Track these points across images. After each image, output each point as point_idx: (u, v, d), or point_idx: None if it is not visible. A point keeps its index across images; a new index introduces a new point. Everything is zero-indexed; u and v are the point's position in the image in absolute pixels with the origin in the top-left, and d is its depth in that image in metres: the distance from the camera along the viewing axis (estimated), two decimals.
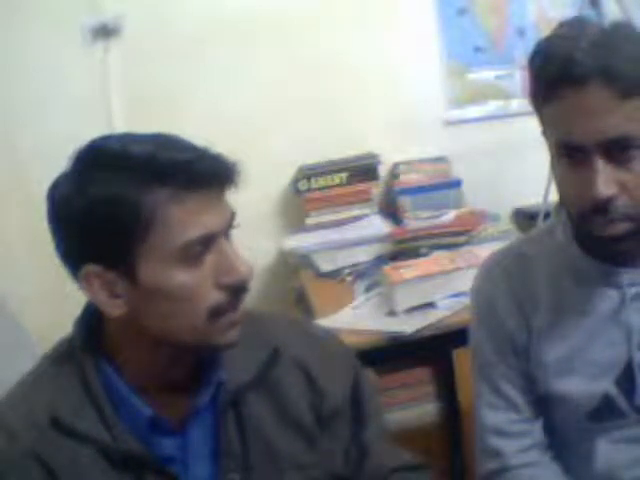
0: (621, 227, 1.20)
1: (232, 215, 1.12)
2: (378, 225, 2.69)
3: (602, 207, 1.18)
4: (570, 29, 1.19)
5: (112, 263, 1.07)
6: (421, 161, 2.84)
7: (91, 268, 1.07)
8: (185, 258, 1.06)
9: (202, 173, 1.06)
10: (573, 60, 1.14)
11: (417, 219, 2.65)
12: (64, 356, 1.15)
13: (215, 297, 1.08)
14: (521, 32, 2.88)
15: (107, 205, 1.04)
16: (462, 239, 2.46)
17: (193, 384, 1.16)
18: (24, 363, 1.20)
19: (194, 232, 1.06)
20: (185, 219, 1.05)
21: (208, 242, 1.07)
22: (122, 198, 1.04)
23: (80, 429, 1.09)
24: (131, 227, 1.04)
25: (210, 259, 1.08)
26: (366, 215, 2.75)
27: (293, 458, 1.19)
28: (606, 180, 1.16)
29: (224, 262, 1.08)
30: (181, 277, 1.06)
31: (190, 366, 1.15)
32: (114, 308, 1.09)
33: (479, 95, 2.91)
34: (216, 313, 1.09)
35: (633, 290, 1.28)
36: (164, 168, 1.04)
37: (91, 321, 1.15)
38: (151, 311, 1.08)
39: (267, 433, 1.18)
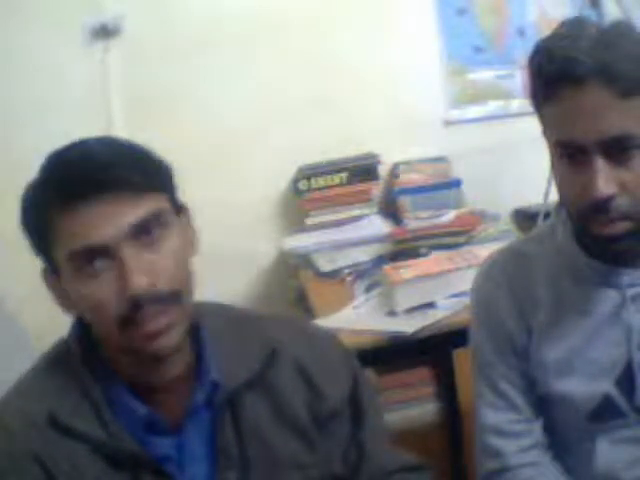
0: (621, 226, 1.20)
1: (145, 218, 1.06)
2: (378, 225, 2.69)
3: (602, 206, 1.18)
4: (570, 29, 1.19)
5: (48, 265, 1.12)
6: (421, 161, 2.84)
7: (44, 270, 1.14)
8: (77, 268, 1.06)
9: (85, 182, 1.04)
10: (573, 60, 1.14)
11: (417, 219, 2.65)
12: (61, 356, 1.16)
13: (118, 309, 1.06)
14: (521, 32, 2.88)
15: (26, 215, 1.11)
16: (462, 239, 2.46)
17: (189, 384, 1.15)
18: (22, 363, 1.20)
19: (78, 243, 1.05)
20: (72, 230, 1.05)
21: (98, 254, 1.05)
22: (31, 206, 1.10)
23: (78, 428, 1.09)
24: (40, 237, 1.10)
25: (107, 271, 1.06)
26: (366, 215, 2.75)
27: (290, 458, 1.19)
28: (606, 179, 1.16)
29: (120, 274, 1.05)
30: (82, 289, 1.07)
31: (182, 366, 1.15)
32: (66, 309, 1.14)
33: (479, 95, 2.91)
34: (126, 323, 1.07)
35: (633, 290, 1.28)
36: (53, 179, 1.07)
37: (85, 323, 1.15)
38: (81, 314, 1.13)
39: (264, 433, 1.18)
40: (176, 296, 1.08)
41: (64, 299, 1.13)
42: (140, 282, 1.04)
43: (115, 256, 1.05)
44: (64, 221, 1.05)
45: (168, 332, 1.08)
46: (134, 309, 1.05)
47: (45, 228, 1.08)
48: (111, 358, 1.14)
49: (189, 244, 1.15)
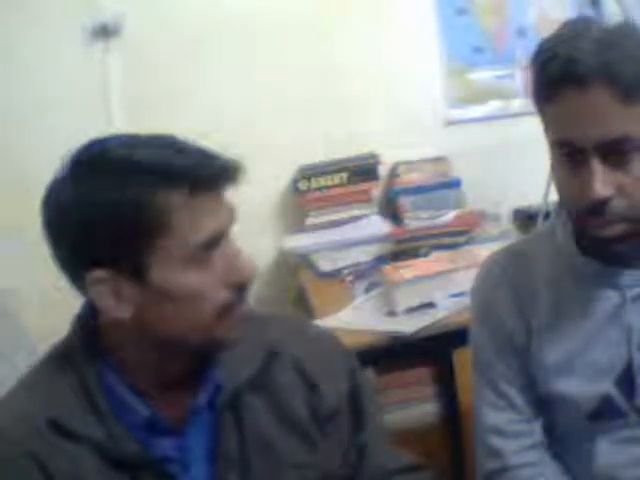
0: (617, 228, 1.20)
1: (233, 212, 1.13)
2: (378, 225, 2.69)
3: (599, 208, 1.18)
4: (573, 29, 1.19)
5: (121, 267, 1.06)
6: (421, 161, 2.84)
7: (98, 274, 1.07)
8: (196, 260, 1.07)
9: (211, 176, 1.07)
10: (575, 60, 1.14)
11: (417, 219, 2.65)
12: (61, 357, 1.15)
13: (223, 296, 1.09)
14: (521, 32, 2.88)
15: (117, 210, 1.04)
16: (462, 239, 2.46)
17: (191, 385, 1.15)
18: (24, 363, 1.20)
19: (205, 234, 1.07)
20: (196, 222, 1.06)
21: (216, 242, 1.09)
22: (132, 203, 1.04)
23: (78, 430, 1.09)
24: (142, 232, 1.04)
25: (217, 259, 1.09)
26: (366, 215, 2.75)
27: (292, 458, 1.19)
28: (603, 181, 1.16)
29: (230, 261, 1.10)
30: (192, 278, 1.07)
31: (188, 366, 1.15)
32: (121, 312, 1.09)
33: (479, 95, 2.91)
34: (224, 311, 1.10)
35: (633, 291, 1.28)
36: (175, 172, 1.05)
37: (88, 322, 1.15)
38: (160, 313, 1.09)
39: (265, 433, 1.18)
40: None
41: (121, 303, 1.08)
42: None
43: (224, 244, 1.09)
44: (186, 214, 1.05)
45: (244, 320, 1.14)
46: (240, 293, 1.11)
47: (158, 223, 1.04)
48: (118, 359, 1.13)
49: None
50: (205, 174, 1.06)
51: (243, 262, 1.11)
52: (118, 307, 1.08)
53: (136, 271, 1.06)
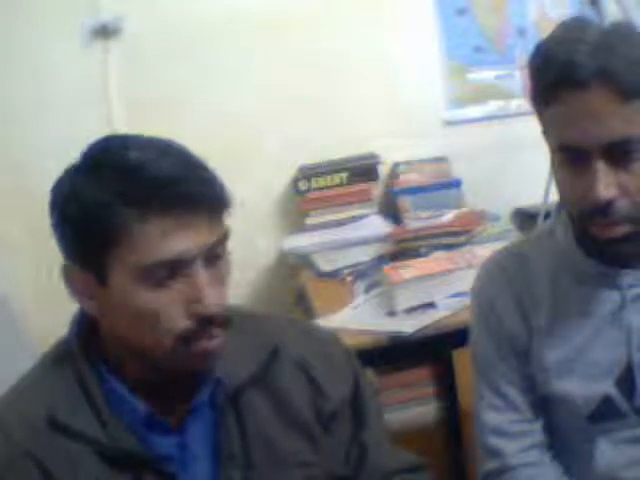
0: (621, 229, 1.20)
1: (219, 240, 1.08)
2: (378, 225, 2.69)
3: (602, 209, 1.18)
4: (570, 31, 1.19)
5: (87, 265, 1.07)
6: (421, 161, 2.84)
7: (71, 266, 1.09)
8: (150, 279, 1.04)
9: (176, 196, 1.03)
10: (574, 63, 1.13)
11: (417, 219, 2.65)
12: (61, 357, 1.15)
13: (182, 324, 1.06)
14: (521, 32, 2.88)
15: (84, 208, 1.04)
16: (462, 239, 2.45)
17: (191, 382, 1.15)
18: (24, 363, 1.20)
19: (161, 255, 1.03)
20: (154, 241, 1.03)
21: (178, 267, 1.05)
22: (97, 206, 1.04)
23: (76, 429, 1.09)
24: (100, 237, 1.04)
25: (179, 284, 1.05)
26: (366, 215, 2.75)
27: (294, 456, 1.19)
28: (607, 183, 1.16)
29: (192, 291, 1.05)
30: (145, 297, 1.05)
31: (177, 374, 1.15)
32: (91, 309, 1.11)
33: (479, 95, 2.91)
34: (183, 340, 1.07)
35: (633, 291, 1.28)
36: (139, 185, 1.03)
37: (86, 321, 1.15)
38: (121, 320, 1.09)
39: (267, 431, 1.18)
40: (227, 321, 1.10)
41: (89, 299, 1.10)
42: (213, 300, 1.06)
43: (191, 271, 1.05)
44: (145, 231, 1.02)
45: (219, 352, 1.10)
46: (203, 325, 1.06)
47: (115, 234, 1.03)
48: (115, 357, 1.14)
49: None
50: (169, 193, 1.02)
51: (207, 295, 1.05)
52: (89, 304, 1.10)
53: (99, 272, 1.07)
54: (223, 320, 1.08)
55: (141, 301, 1.05)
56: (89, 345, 1.14)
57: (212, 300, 1.06)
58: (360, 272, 2.43)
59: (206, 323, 1.06)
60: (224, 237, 1.09)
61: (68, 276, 1.10)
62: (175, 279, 1.05)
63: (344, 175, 2.76)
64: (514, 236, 2.38)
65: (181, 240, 1.03)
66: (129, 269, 1.04)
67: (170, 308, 1.05)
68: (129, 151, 1.05)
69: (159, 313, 1.05)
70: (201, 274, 1.05)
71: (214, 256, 1.08)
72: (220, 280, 1.09)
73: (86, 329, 1.15)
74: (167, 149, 1.08)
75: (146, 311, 1.05)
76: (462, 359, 2.03)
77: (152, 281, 1.04)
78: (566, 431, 1.36)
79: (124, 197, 1.03)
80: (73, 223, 1.06)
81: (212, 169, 1.09)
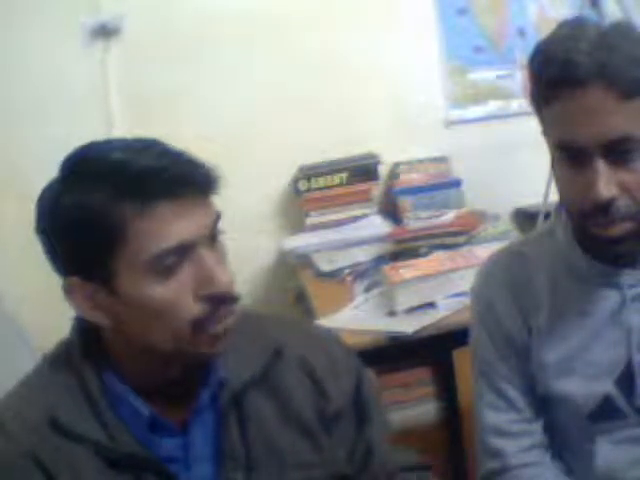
0: (622, 228, 1.20)
1: (214, 221, 1.09)
2: (378, 225, 2.69)
3: (603, 208, 1.18)
4: (570, 30, 1.19)
5: (91, 275, 1.07)
6: (421, 161, 2.85)
7: (73, 280, 1.08)
8: (160, 270, 1.04)
9: (171, 181, 1.03)
10: (573, 62, 1.14)
11: (417, 219, 2.65)
12: (62, 358, 1.15)
13: (196, 309, 1.06)
14: (521, 32, 2.89)
15: (78, 217, 1.04)
16: (462, 239, 2.45)
17: (194, 384, 1.15)
18: (21, 362, 1.20)
19: (166, 243, 1.03)
20: (156, 230, 1.03)
21: (183, 252, 1.05)
22: (92, 210, 1.03)
23: (78, 430, 1.09)
24: (103, 240, 1.04)
25: (187, 269, 1.06)
26: (366, 215, 2.75)
27: (296, 457, 1.19)
28: (607, 182, 1.16)
29: (202, 272, 1.06)
30: (158, 290, 1.05)
31: (185, 371, 1.15)
32: (97, 319, 1.09)
33: (479, 95, 2.91)
34: (199, 325, 1.07)
35: (633, 291, 1.28)
36: (130, 178, 1.03)
37: (88, 324, 1.15)
38: (133, 322, 1.08)
39: (269, 432, 1.17)
40: (237, 298, 1.11)
41: (96, 311, 1.09)
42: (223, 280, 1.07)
43: (196, 254, 1.06)
44: (143, 223, 1.03)
45: (228, 334, 1.10)
46: (216, 306, 1.07)
47: (115, 234, 1.03)
48: (118, 359, 1.13)
49: None
50: (162, 179, 1.03)
51: (217, 273, 1.06)
52: (95, 314, 1.09)
53: (105, 279, 1.06)
54: (233, 297, 1.10)
55: (155, 295, 1.05)
56: (91, 347, 1.14)
57: (222, 278, 1.07)
58: (360, 272, 2.43)
59: (218, 302, 1.07)
60: (218, 217, 1.10)
61: (70, 292, 1.09)
62: (182, 266, 1.05)
63: (344, 175, 2.76)
64: (514, 236, 2.38)
65: (181, 224, 1.04)
66: (137, 266, 1.04)
67: (183, 296, 1.06)
68: (111, 153, 1.06)
69: (174, 303, 1.05)
70: (207, 255, 1.07)
71: (212, 235, 1.09)
72: (223, 259, 1.10)
73: (88, 331, 1.15)
74: (147, 146, 1.08)
75: (162, 304, 1.05)
76: (462, 359, 2.03)
77: (162, 272, 1.04)
78: (566, 430, 1.36)
79: (115, 196, 1.03)
80: (70, 235, 1.05)
81: (195, 156, 1.10)
